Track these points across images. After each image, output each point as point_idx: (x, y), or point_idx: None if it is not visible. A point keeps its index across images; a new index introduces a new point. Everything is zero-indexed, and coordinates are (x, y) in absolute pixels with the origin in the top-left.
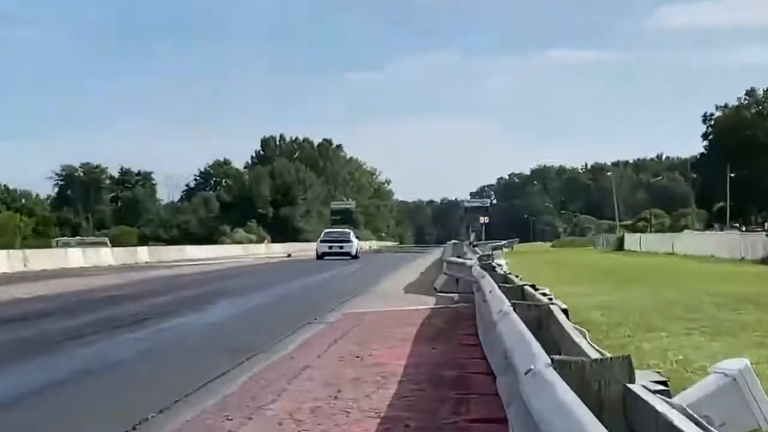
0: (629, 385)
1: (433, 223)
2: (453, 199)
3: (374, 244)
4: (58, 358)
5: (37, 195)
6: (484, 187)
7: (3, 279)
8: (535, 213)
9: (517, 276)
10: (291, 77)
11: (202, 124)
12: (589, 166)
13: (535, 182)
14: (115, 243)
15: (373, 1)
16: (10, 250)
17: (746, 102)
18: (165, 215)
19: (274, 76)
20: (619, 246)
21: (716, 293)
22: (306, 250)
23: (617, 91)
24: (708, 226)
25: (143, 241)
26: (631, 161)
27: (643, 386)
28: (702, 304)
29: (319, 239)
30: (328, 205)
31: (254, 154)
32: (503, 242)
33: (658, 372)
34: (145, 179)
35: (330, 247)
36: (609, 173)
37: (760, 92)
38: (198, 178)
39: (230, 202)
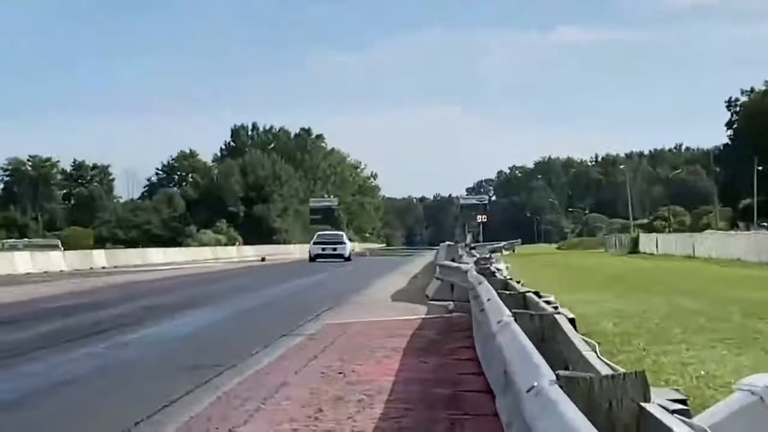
0: (644, 404)
1: (425, 223)
2: (447, 195)
3: (357, 246)
4: None
5: None
6: (482, 182)
7: None
8: (539, 211)
9: (518, 282)
10: (264, 58)
11: (165, 112)
12: (599, 159)
13: (539, 177)
14: (68, 246)
15: None
16: None
17: None
18: (124, 214)
19: (244, 57)
20: (634, 248)
21: (743, 300)
22: (282, 253)
23: (632, 75)
24: (733, 225)
25: (99, 243)
26: (646, 153)
27: (660, 405)
28: (727, 313)
29: (312, 241)
30: (307, 203)
31: (223, 146)
32: (503, 244)
33: (677, 389)
34: (101, 174)
35: (323, 249)
36: (622, 166)
37: None
38: (160, 172)
39: (197, 199)
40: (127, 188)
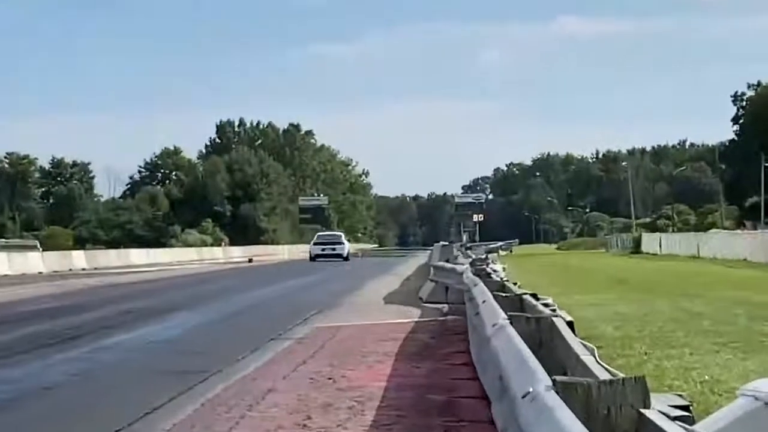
0: (643, 411)
1: (419, 223)
2: (442, 194)
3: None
4: None
5: None
6: (479, 179)
7: None
8: (538, 210)
9: (515, 283)
10: (250, 51)
11: (148, 108)
12: (600, 155)
13: (537, 174)
14: (46, 246)
15: None
16: None
17: None
18: (105, 214)
19: (230, 49)
20: (636, 248)
21: (749, 303)
22: (270, 253)
23: (634, 68)
24: (739, 224)
25: (79, 244)
26: (649, 149)
27: (660, 412)
28: (732, 316)
29: (312, 242)
30: (296, 202)
31: (209, 142)
32: (500, 244)
33: (680, 395)
34: (81, 172)
35: (323, 249)
36: (624, 163)
37: None
38: (143, 170)
39: (181, 198)
40: (108, 187)
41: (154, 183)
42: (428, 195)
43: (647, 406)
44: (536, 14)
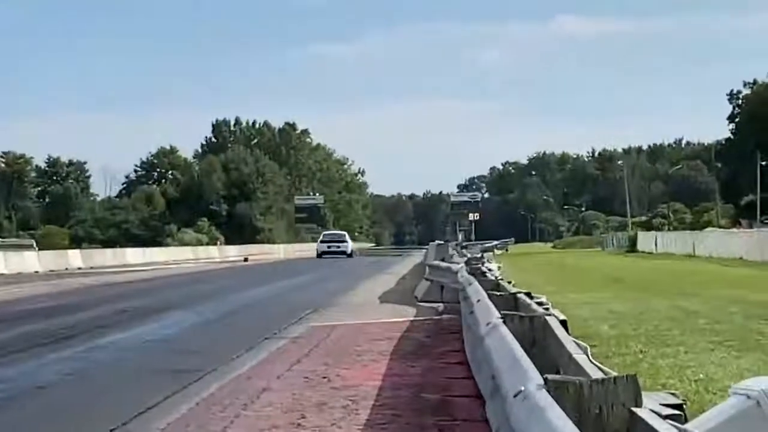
0: (635, 410)
1: (415, 221)
2: (438, 193)
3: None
4: None
5: None
6: (474, 178)
7: None
8: (534, 209)
9: (510, 282)
10: (248, 50)
11: (144, 107)
12: (596, 154)
13: (533, 173)
14: (43, 245)
15: None
16: None
17: None
18: (101, 213)
19: (227, 49)
20: (632, 247)
21: (744, 301)
22: (266, 252)
23: (630, 67)
24: (735, 223)
25: (75, 243)
26: (645, 148)
27: (652, 411)
28: (727, 314)
29: (319, 240)
30: (292, 201)
31: (204, 141)
32: (495, 243)
33: (673, 393)
34: (77, 171)
35: (329, 247)
36: (620, 162)
37: None
38: (139, 169)
39: (177, 197)
40: (104, 186)
41: (150, 182)
42: (424, 194)
43: (639, 404)
44: (534, 14)
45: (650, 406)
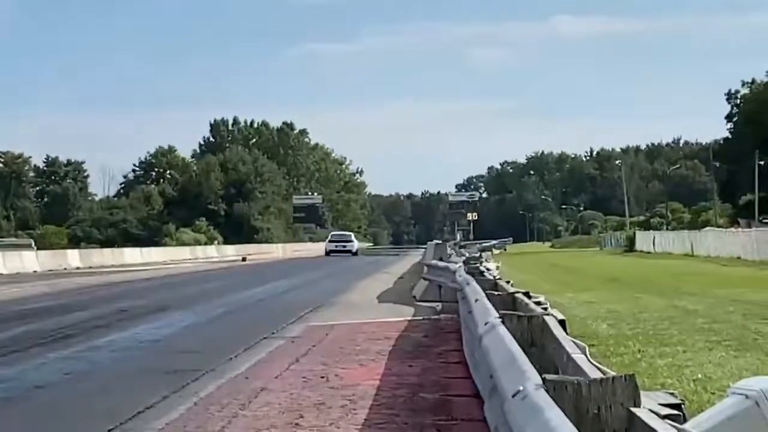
0: (633, 409)
1: (413, 221)
2: (436, 192)
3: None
4: None
5: None
6: (472, 178)
7: None
8: (532, 208)
9: (508, 282)
10: (245, 49)
11: (142, 106)
12: (594, 154)
13: (531, 172)
14: (41, 245)
15: None
16: None
17: None
18: (99, 212)
19: (225, 48)
20: (630, 246)
21: (743, 301)
22: (264, 252)
23: (628, 66)
24: (733, 223)
25: (74, 242)
26: (643, 147)
27: (650, 410)
28: (726, 313)
29: (328, 240)
30: (290, 201)
31: (202, 141)
32: (494, 242)
33: (672, 393)
34: (76, 170)
35: (336, 246)
36: (618, 162)
37: None
38: (137, 168)
39: (175, 197)
40: (102, 185)
41: (148, 182)
42: (422, 194)
43: (638, 404)
44: (532, 14)
45: (649, 406)
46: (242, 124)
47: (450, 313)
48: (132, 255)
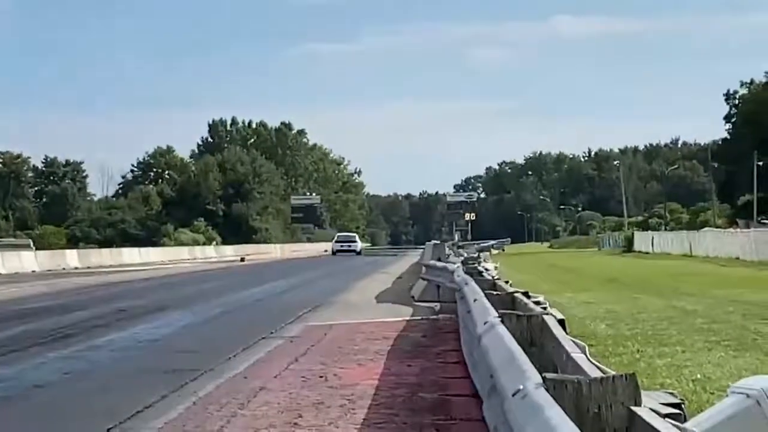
0: (634, 408)
1: (411, 221)
2: (434, 193)
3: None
4: None
5: None
6: (470, 178)
7: None
8: (530, 209)
9: (507, 282)
10: (243, 49)
11: (141, 106)
12: (592, 154)
13: (529, 173)
14: (40, 245)
15: None
16: None
17: None
18: (97, 213)
19: (222, 48)
20: (628, 247)
21: (742, 301)
22: (262, 252)
23: (626, 66)
24: (732, 223)
25: (73, 242)
26: (641, 148)
27: (651, 409)
28: (725, 314)
29: (334, 240)
30: (288, 201)
31: (201, 141)
32: (492, 243)
33: (671, 393)
34: (74, 171)
35: (342, 246)
36: (616, 162)
37: None
38: (136, 169)
39: (174, 197)
40: (101, 186)
41: (146, 182)
42: (420, 194)
43: (638, 403)
44: (532, 14)
45: (649, 405)
46: (240, 124)
47: (448, 313)
48: (130, 255)
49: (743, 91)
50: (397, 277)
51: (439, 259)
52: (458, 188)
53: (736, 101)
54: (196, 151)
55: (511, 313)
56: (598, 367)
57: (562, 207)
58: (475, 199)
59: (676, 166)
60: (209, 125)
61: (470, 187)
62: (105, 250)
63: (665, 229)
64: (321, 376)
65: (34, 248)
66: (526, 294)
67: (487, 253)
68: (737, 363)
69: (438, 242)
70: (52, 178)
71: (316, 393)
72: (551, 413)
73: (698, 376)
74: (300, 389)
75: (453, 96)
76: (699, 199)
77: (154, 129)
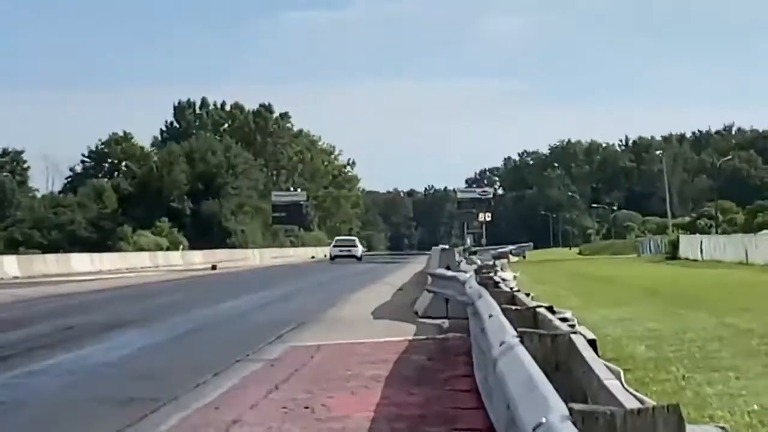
0: None
1: (415, 223)
2: (442, 188)
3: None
4: None
5: None
6: (486, 171)
7: None
8: (556, 208)
9: (528, 295)
10: (215, 19)
11: (93, 85)
12: (630, 143)
13: (555, 165)
14: None
15: None
16: None
17: None
18: (41, 212)
19: (191, 17)
20: (672, 253)
21: None
22: (239, 258)
23: (670, 42)
24: None
25: (11, 247)
26: (689, 135)
27: None
28: None
29: (332, 245)
30: (269, 198)
31: (165, 127)
32: (510, 248)
33: (722, 427)
34: (13, 161)
35: (341, 251)
36: (658, 152)
37: None
38: (87, 160)
39: (132, 193)
40: (45, 179)
41: (99, 175)
42: (425, 190)
43: None
44: None
45: None
46: (212, 106)
47: (458, 332)
48: (81, 262)
49: None
50: (397, 288)
51: (447, 268)
52: (470, 183)
53: None
54: (159, 138)
55: (533, 331)
56: (636, 397)
57: (594, 206)
58: (490, 196)
59: (729, 157)
60: (174, 107)
61: (485, 181)
62: (50, 256)
63: (716, 232)
64: (306, 407)
65: None
66: (550, 309)
67: (505, 260)
68: None
69: (446, 247)
70: None
71: (299, 427)
72: None
73: (755, 407)
74: (281, 422)
75: (464, 74)
76: (757, 196)
77: (108, 112)
